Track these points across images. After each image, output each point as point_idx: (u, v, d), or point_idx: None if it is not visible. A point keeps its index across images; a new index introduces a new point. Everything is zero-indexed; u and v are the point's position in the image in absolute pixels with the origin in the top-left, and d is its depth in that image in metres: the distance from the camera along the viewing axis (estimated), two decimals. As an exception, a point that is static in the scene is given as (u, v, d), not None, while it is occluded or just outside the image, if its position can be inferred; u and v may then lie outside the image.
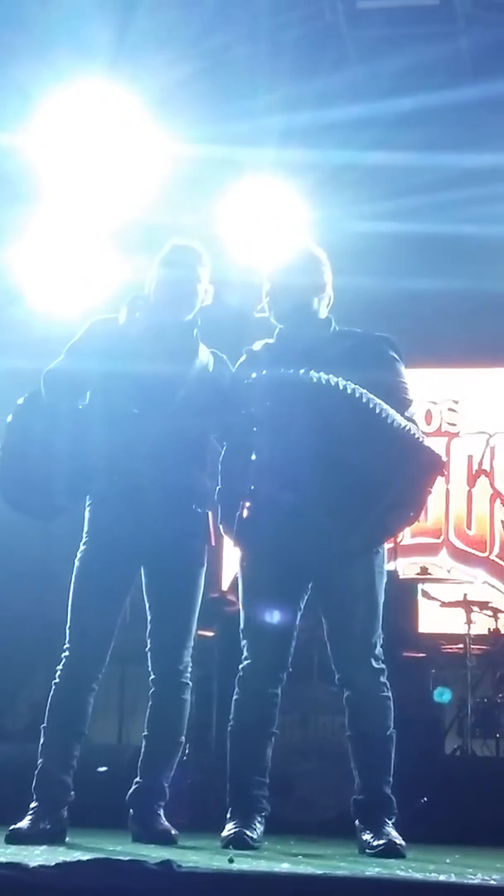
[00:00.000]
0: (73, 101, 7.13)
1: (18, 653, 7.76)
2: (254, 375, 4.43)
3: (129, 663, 6.41)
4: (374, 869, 3.54)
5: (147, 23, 6.99)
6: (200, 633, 6.39)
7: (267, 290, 4.66)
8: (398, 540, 7.48)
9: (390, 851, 4.16)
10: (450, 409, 8.98)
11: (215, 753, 6.28)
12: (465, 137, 7.90)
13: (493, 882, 3.14)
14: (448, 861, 4.13)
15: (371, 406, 4.26)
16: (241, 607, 4.56)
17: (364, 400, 4.26)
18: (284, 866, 3.54)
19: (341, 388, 4.25)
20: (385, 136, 7.77)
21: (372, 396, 4.27)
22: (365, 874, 3.32)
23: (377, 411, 4.26)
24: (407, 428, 4.31)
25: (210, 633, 6.65)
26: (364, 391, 4.27)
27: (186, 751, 6.28)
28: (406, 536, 8.42)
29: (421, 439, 4.37)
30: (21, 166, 7.31)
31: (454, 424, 8.96)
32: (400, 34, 7.75)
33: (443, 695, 6.89)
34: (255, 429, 4.39)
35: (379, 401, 4.28)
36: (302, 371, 4.28)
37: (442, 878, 3.30)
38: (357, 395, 4.26)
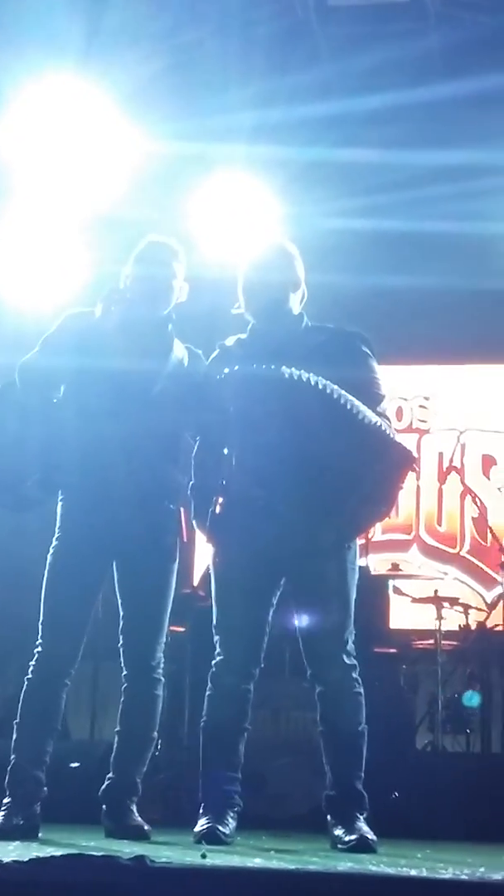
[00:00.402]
0: (44, 96, 7.12)
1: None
2: (226, 371, 4.43)
3: (101, 659, 6.42)
4: (346, 864, 3.54)
5: (118, 18, 6.98)
6: (172, 628, 6.40)
7: (241, 287, 4.67)
8: (369, 536, 7.50)
9: (362, 846, 4.17)
10: (420, 406, 9.01)
11: (187, 749, 6.29)
12: (435, 135, 7.92)
13: (464, 877, 3.15)
14: (419, 856, 4.14)
15: (342, 402, 4.26)
16: (213, 603, 4.56)
17: (335, 396, 4.26)
18: (257, 861, 3.54)
19: (312, 383, 4.26)
20: (356, 133, 7.78)
21: (343, 392, 4.28)
22: (337, 869, 3.33)
23: (348, 407, 4.27)
24: (378, 424, 4.32)
25: (182, 629, 6.65)
26: (335, 387, 4.27)
27: (158, 746, 6.29)
28: (377, 532, 8.43)
29: (392, 435, 4.38)
30: (-8, 161, 7.29)
31: (425, 421, 8.98)
32: (371, 31, 7.76)
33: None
34: (227, 424, 4.40)
35: (350, 397, 4.29)
36: (273, 367, 4.29)
37: (413, 872, 3.30)
38: (328, 390, 4.26)
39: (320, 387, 4.26)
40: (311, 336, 4.61)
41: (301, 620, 4.52)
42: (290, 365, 4.30)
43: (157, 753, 6.06)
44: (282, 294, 4.62)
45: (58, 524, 4.59)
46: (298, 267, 4.70)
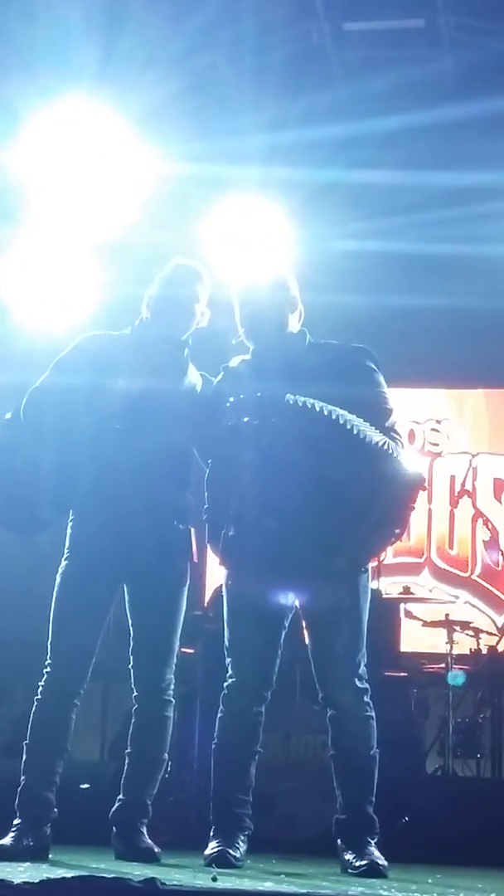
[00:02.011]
0: (59, 119, 7.14)
1: (0, 669, 7.74)
2: (232, 399, 4.42)
3: (111, 680, 6.41)
4: (356, 889, 3.53)
5: (133, 41, 7.01)
6: (183, 650, 6.39)
7: (238, 316, 4.66)
8: (381, 559, 7.49)
9: (372, 871, 4.16)
10: (433, 430, 9.01)
11: (198, 771, 6.27)
12: (448, 157, 7.93)
13: (475, 901, 3.15)
14: (430, 881, 4.13)
15: (348, 427, 4.24)
16: (225, 625, 4.56)
17: (341, 421, 4.24)
18: (267, 885, 3.54)
19: (317, 409, 4.24)
20: (370, 156, 7.80)
21: (349, 417, 4.25)
22: (348, 894, 3.32)
23: (354, 432, 4.24)
24: (385, 447, 4.29)
25: (191, 651, 6.63)
26: (341, 412, 4.25)
27: (168, 768, 6.28)
28: (389, 556, 8.41)
29: (400, 458, 4.35)
30: (7, 183, 7.32)
31: (437, 444, 8.98)
32: (385, 55, 7.78)
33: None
34: (238, 450, 4.39)
35: (356, 421, 4.27)
36: (278, 395, 4.29)
37: (425, 897, 3.30)
38: (333, 416, 4.24)
39: (325, 413, 4.25)
40: (315, 354, 4.60)
41: (313, 643, 4.52)
42: (296, 384, 4.31)
43: (166, 776, 6.05)
44: (279, 317, 4.61)
45: (67, 544, 4.58)
46: (292, 287, 4.70)
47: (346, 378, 4.47)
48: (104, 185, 7.33)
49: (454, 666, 6.99)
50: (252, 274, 4.86)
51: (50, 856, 4.28)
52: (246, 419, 4.31)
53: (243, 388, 4.43)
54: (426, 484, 4.55)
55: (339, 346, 4.68)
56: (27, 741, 4.45)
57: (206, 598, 7.14)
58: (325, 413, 4.24)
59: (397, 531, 4.49)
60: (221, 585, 4.66)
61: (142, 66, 7.23)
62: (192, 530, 4.65)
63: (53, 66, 6.95)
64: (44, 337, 7.08)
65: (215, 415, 4.47)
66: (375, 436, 4.29)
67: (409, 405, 8.92)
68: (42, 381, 4.58)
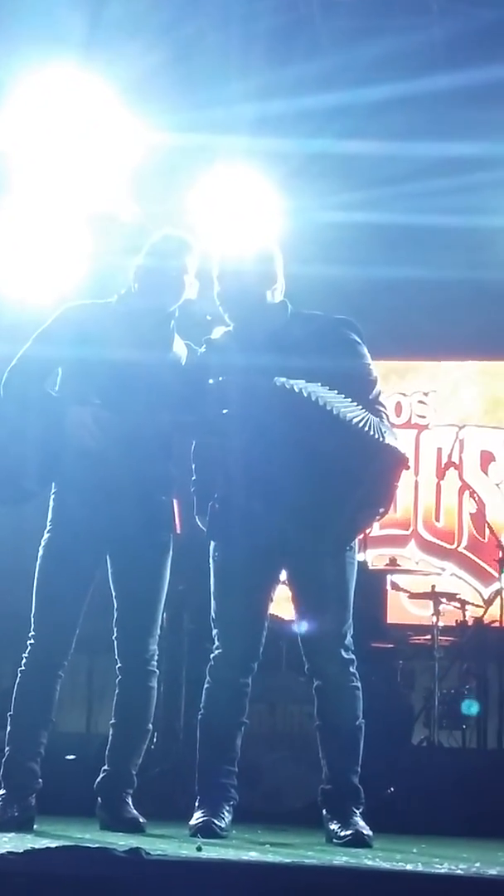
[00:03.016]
0: (44, 88, 7.08)
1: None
2: (221, 378, 4.40)
3: (97, 652, 6.40)
4: (341, 858, 3.55)
5: (119, 9, 6.96)
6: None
7: (217, 292, 4.62)
8: (367, 531, 7.49)
9: (357, 841, 4.18)
10: (419, 402, 8.99)
11: (183, 742, 6.28)
12: (438, 127, 7.89)
13: (459, 872, 3.17)
14: (415, 851, 4.14)
15: (329, 409, 4.25)
16: (212, 596, 4.56)
17: (321, 403, 4.24)
18: (252, 855, 3.54)
19: (297, 391, 4.24)
20: (358, 126, 7.75)
21: (331, 398, 4.25)
22: (332, 863, 3.33)
23: (335, 413, 4.25)
24: (368, 427, 4.29)
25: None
26: (322, 394, 4.25)
27: (154, 739, 6.29)
28: (375, 528, 8.39)
29: (383, 437, 4.34)
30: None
31: (424, 417, 8.97)
32: (374, 24, 7.73)
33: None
34: (224, 426, 4.39)
35: (339, 400, 4.26)
36: (266, 377, 4.28)
37: (409, 867, 3.31)
38: (314, 398, 4.24)
39: (305, 395, 4.25)
40: (298, 325, 4.58)
41: (300, 614, 4.52)
42: (280, 357, 4.33)
43: (152, 747, 6.05)
44: (258, 288, 4.57)
45: (50, 517, 4.57)
46: (271, 258, 4.65)
47: (330, 350, 4.46)
48: (90, 155, 7.28)
49: (439, 637, 7.00)
50: (230, 246, 4.82)
51: (35, 826, 4.29)
52: (227, 411, 4.32)
53: (227, 363, 4.42)
54: (409, 463, 4.52)
55: (321, 318, 4.66)
56: (11, 712, 4.46)
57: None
58: (305, 395, 4.24)
59: (381, 510, 4.52)
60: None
61: (128, 35, 7.18)
62: (176, 502, 4.64)
63: (39, 33, 6.89)
64: (31, 308, 7.04)
65: (199, 390, 4.45)
66: (358, 415, 4.28)
67: (396, 377, 8.91)
68: (25, 351, 4.56)
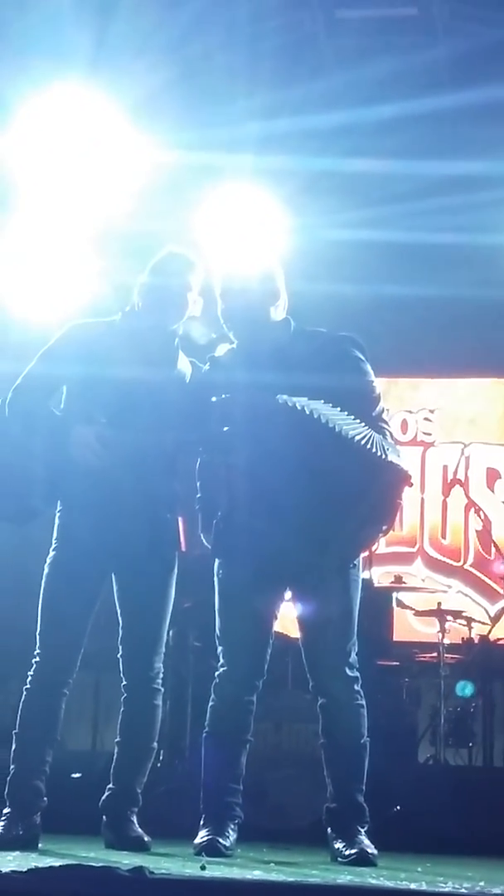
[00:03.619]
0: (50, 107, 7.11)
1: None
2: (224, 396, 4.41)
3: (103, 670, 6.40)
4: (345, 877, 3.53)
5: (125, 28, 6.98)
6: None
7: (221, 310, 4.64)
8: (373, 549, 7.49)
9: (362, 860, 4.16)
10: (425, 419, 9.01)
11: (189, 760, 6.27)
12: (442, 146, 7.93)
13: (463, 891, 3.15)
14: (420, 869, 4.13)
15: (331, 426, 4.25)
16: (217, 614, 4.56)
17: (323, 420, 4.25)
18: (256, 874, 3.54)
19: (299, 408, 4.25)
20: (363, 144, 7.78)
21: (334, 416, 4.25)
22: (336, 882, 3.32)
23: (338, 430, 4.25)
24: (370, 445, 4.29)
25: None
26: (325, 412, 4.25)
27: (160, 757, 6.28)
28: (381, 545, 8.43)
29: (386, 454, 4.34)
30: (-2, 172, 7.30)
31: (429, 434, 8.98)
32: (378, 43, 7.76)
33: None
34: (228, 443, 4.40)
35: (342, 418, 4.27)
36: (268, 395, 4.29)
37: (413, 886, 3.30)
38: (316, 415, 4.25)
39: (307, 412, 4.25)
40: (301, 342, 4.59)
41: (304, 632, 4.52)
42: (284, 374, 4.33)
43: (158, 765, 6.05)
44: (262, 306, 4.58)
45: (55, 535, 4.57)
46: (274, 276, 4.66)
47: (334, 367, 4.46)
48: (97, 174, 7.30)
49: (445, 655, 6.99)
50: (233, 264, 4.83)
51: (40, 845, 4.28)
52: (227, 428, 4.33)
53: (231, 380, 4.43)
54: (412, 480, 4.52)
55: (325, 335, 4.67)
56: (16, 730, 4.45)
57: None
58: (308, 412, 4.24)
59: (385, 527, 4.52)
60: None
61: (134, 54, 7.21)
62: (181, 519, 4.65)
63: (45, 52, 6.92)
64: (37, 327, 7.06)
65: (203, 408, 4.46)
66: (361, 433, 4.28)
67: (401, 395, 8.93)
68: (30, 369, 4.57)
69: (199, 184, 7.74)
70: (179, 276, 4.63)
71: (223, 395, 4.41)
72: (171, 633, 4.80)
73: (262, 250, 4.79)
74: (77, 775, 5.96)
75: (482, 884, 3.40)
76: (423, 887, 3.27)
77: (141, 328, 4.60)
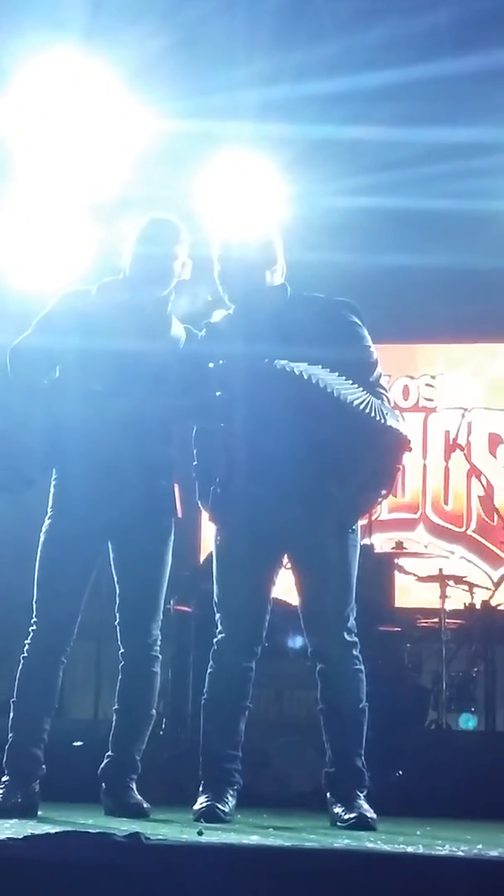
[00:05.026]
0: (47, 74, 7.05)
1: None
2: (221, 362, 4.40)
3: (105, 639, 6.41)
4: (343, 841, 3.54)
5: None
6: (178, 608, 6.40)
7: (218, 272, 4.62)
8: (375, 516, 7.49)
9: (361, 824, 4.18)
10: (427, 385, 8.99)
11: (191, 728, 6.29)
12: (443, 111, 7.85)
13: (460, 853, 3.16)
14: (418, 833, 4.14)
15: (330, 391, 4.25)
16: (214, 581, 4.56)
17: (321, 385, 4.25)
18: (253, 838, 3.54)
19: (297, 373, 4.24)
20: (363, 110, 7.72)
21: (332, 380, 4.26)
22: (333, 846, 3.33)
23: (336, 395, 4.25)
24: (369, 410, 4.29)
25: (188, 609, 6.64)
26: (322, 376, 4.25)
27: (164, 725, 6.30)
28: (383, 511, 8.44)
29: (384, 419, 4.33)
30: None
31: (431, 400, 8.97)
32: (378, 7, 7.69)
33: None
34: (225, 409, 4.39)
35: (340, 383, 4.26)
36: (265, 359, 4.28)
37: (410, 849, 3.30)
38: (314, 380, 4.25)
39: (306, 377, 4.25)
40: (298, 308, 4.58)
41: (302, 598, 4.52)
42: (280, 340, 4.32)
43: (161, 733, 6.07)
44: (259, 271, 4.57)
45: (50, 503, 4.58)
46: (272, 241, 4.65)
47: (331, 333, 4.46)
48: (93, 142, 7.26)
49: (447, 620, 7.00)
50: (231, 230, 4.81)
51: (39, 812, 4.30)
52: (220, 394, 4.32)
53: (227, 346, 4.42)
54: (411, 445, 4.51)
55: (322, 300, 4.66)
56: (14, 699, 4.47)
57: (202, 558, 7.13)
58: (306, 377, 4.24)
59: (384, 492, 4.52)
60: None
61: (131, 20, 7.14)
62: (176, 486, 4.65)
63: (40, 17, 6.86)
64: (35, 297, 7.03)
65: (200, 374, 4.45)
66: (359, 398, 4.28)
67: (403, 360, 8.91)
68: (29, 339, 4.56)
69: (198, 151, 7.70)
70: (164, 246, 4.62)
71: (220, 362, 4.40)
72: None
73: (261, 215, 4.77)
74: (79, 743, 5.98)
75: (479, 846, 3.41)
76: (420, 850, 3.27)
77: (132, 296, 4.59)
